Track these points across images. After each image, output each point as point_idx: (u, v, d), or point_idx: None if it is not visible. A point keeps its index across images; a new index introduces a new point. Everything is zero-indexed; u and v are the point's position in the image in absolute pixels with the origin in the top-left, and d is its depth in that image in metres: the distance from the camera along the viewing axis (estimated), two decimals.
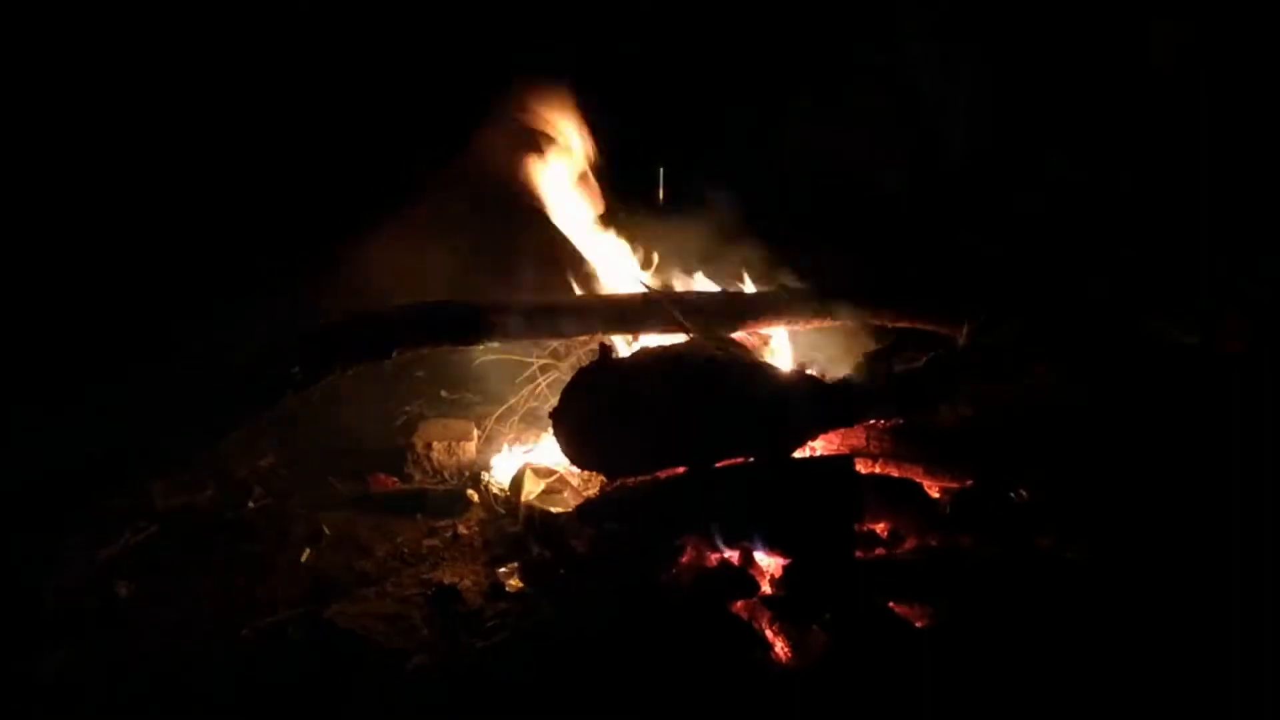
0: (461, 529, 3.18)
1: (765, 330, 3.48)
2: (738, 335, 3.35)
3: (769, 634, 2.43)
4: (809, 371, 3.21)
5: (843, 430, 3.07)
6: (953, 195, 4.96)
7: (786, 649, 2.39)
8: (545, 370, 3.64)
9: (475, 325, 3.10)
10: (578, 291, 3.59)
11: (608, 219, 3.75)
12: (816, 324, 3.47)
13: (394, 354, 2.91)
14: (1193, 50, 4.48)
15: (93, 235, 4.45)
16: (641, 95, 5.23)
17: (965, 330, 3.37)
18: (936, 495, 3.00)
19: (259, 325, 3.71)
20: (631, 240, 3.75)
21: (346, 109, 4.93)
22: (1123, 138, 4.67)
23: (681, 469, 2.82)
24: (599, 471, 2.98)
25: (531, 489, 3.25)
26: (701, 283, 3.71)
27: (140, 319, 4.16)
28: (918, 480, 3.01)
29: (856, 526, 2.76)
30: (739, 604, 2.52)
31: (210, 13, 4.80)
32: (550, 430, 3.01)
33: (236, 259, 4.47)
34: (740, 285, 3.68)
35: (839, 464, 2.83)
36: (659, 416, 2.79)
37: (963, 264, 4.48)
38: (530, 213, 3.82)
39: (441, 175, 4.41)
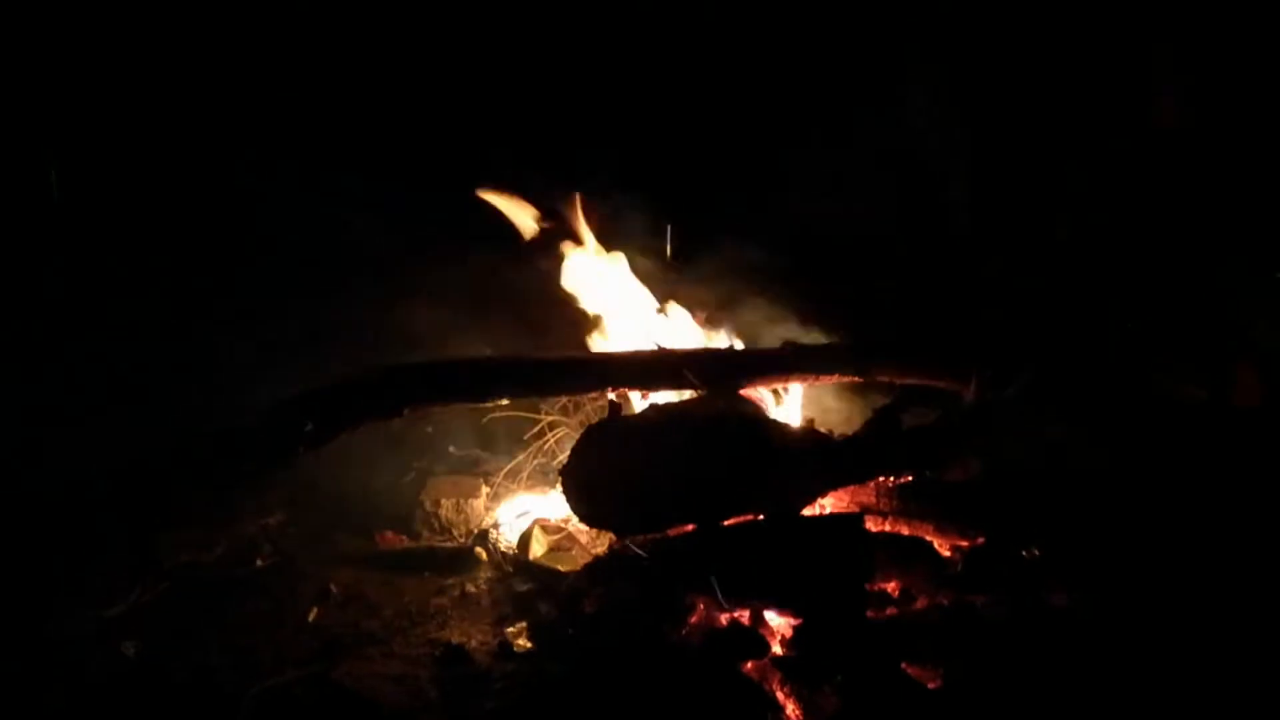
0: (469, 587, 3.16)
1: (774, 387, 3.49)
2: (747, 392, 3.36)
3: (780, 695, 2.40)
4: (817, 428, 3.21)
5: (852, 487, 3.06)
6: (957, 252, 4.99)
7: (798, 711, 2.36)
8: (554, 426, 3.65)
9: (486, 383, 3.12)
10: (588, 348, 3.63)
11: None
12: (825, 381, 3.48)
13: (405, 412, 2.92)
14: (1194, 107, 4.54)
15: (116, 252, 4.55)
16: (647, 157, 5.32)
17: (973, 386, 3.37)
18: (947, 553, 2.98)
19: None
20: (641, 297, 3.79)
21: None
22: (1126, 191, 4.71)
23: (691, 526, 2.82)
24: (608, 529, 2.97)
25: (540, 547, 3.24)
26: (710, 339, 3.73)
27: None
28: (928, 538, 2.99)
29: (867, 585, 2.74)
30: (749, 665, 2.49)
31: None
32: (559, 487, 3.01)
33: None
34: (749, 342, 3.70)
35: (849, 522, 2.82)
36: (668, 474, 2.79)
37: (968, 318, 4.51)
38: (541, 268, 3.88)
39: None
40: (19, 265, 4.43)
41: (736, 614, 2.64)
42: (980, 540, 2.96)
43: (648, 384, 3.35)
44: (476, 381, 3.09)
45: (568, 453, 3.00)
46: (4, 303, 4.30)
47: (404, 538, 3.50)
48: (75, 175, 4.71)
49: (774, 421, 3.22)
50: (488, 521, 3.52)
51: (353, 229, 4.90)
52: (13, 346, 4.13)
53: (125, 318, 4.45)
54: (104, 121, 4.75)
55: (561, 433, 3.64)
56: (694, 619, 2.63)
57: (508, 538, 3.39)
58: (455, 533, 3.52)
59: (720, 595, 2.60)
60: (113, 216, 4.77)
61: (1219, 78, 4.46)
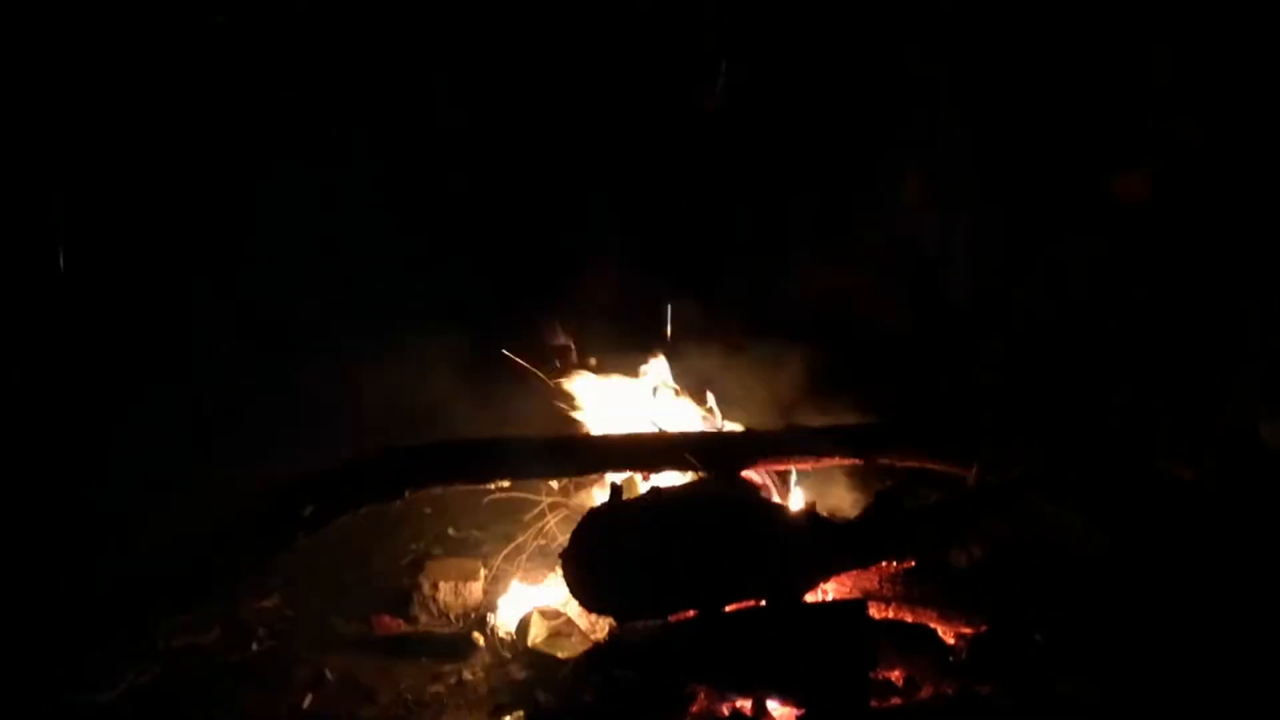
0: (466, 674, 3.11)
1: (775, 469, 3.48)
2: (748, 474, 3.35)
3: None
4: (819, 512, 3.20)
5: (855, 573, 3.04)
6: (956, 331, 5.03)
7: None
8: (554, 508, 3.63)
9: (487, 464, 3.12)
10: (588, 429, 3.63)
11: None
12: (826, 463, 3.48)
13: (406, 494, 2.92)
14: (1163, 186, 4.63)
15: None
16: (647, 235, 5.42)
17: (975, 470, 3.38)
18: (952, 641, 2.95)
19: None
20: (641, 379, 3.81)
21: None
22: (1120, 271, 4.77)
23: (692, 612, 2.79)
24: (608, 615, 2.94)
25: (538, 632, 3.20)
26: (712, 421, 3.74)
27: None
28: (932, 625, 2.96)
29: (871, 674, 2.71)
30: None
31: None
32: (558, 571, 2.99)
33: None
34: (748, 424, 3.71)
35: (852, 608, 2.80)
36: (669, 558, 2.77)
37: (969, 401, 4.52)
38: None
39: None
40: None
41: (738, 703, 2.59)
42: (984, 627, 2.93)
43: (648, 466, 3.36)
44: (478, 463, 3.10)
45: (567, 535, 2.98)
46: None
47: (401, 622, 3.45)
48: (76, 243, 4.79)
49: (775, 505, 3.22)
50: (485, 606, 3.48)
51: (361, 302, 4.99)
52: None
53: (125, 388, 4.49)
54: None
55: (561, 514, 3.62)
56: (695, 708, 2.59)
57: (506, 623, 3.35)
58: (452, 617, 3.48)
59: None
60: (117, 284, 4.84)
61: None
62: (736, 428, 3.69)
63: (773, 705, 2.59)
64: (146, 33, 4.90)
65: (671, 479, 3.37)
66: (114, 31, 4.82)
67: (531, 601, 3.36)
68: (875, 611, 2.97)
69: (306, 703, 2.94)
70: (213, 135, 5.08)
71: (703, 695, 2.62)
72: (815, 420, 3.76)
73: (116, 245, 4.94)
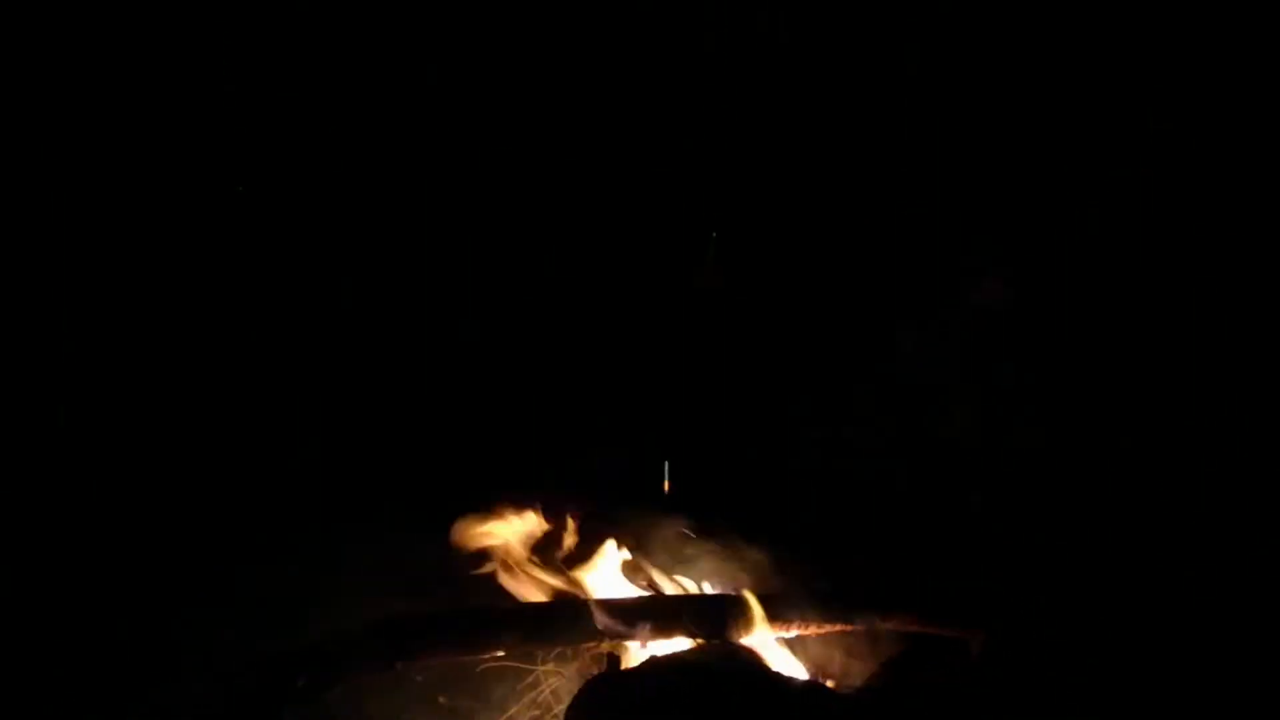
0: None
1: (777, 635, 3.41)
2: (749, 642, 3.28)
3: None
4: (824, 682, 3.13)
5: None
6: (958, 489, 5.03)
7: None
8: (549, 677, 3.54)
9: (480, 635, 3.07)
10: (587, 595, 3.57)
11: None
12: (830, 630, 3.41)
13: (397, 666, 2.86)
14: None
15: None
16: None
17: (980, 637, 3.32)
18: None
19: None
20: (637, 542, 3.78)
21: None
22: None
23: None
24: None
25: None
26: (711, 586, 3.70)
27: None
28: None
29: None
30: None
31: None
32: None
33: None
34: (749, 589, 3.66)
35: None
36: None
37: (974, 564, 4.48)
38: None
39: None
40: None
41: None
42: None
43: (645, 634, 3.28)
44: (473, 633, 3.04)
45: (564, 706, 2.91)
46: None
47: None
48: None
49: (778, 674, 3.14)
50: None
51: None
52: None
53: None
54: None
55: (556, 683, 3.52)
56: None
57: None
58: None
59: None
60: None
61: None
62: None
63: None
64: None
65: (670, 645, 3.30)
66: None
67: None
68: None
69: None
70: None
71: None
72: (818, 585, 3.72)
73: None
